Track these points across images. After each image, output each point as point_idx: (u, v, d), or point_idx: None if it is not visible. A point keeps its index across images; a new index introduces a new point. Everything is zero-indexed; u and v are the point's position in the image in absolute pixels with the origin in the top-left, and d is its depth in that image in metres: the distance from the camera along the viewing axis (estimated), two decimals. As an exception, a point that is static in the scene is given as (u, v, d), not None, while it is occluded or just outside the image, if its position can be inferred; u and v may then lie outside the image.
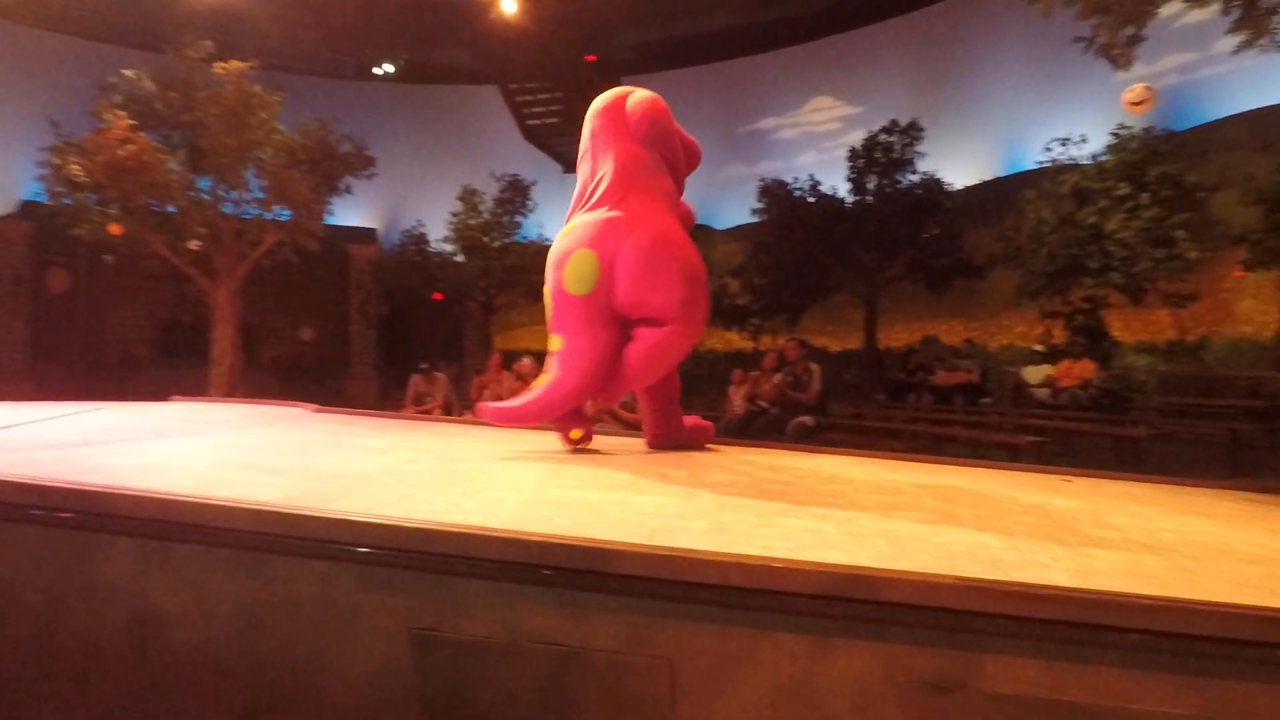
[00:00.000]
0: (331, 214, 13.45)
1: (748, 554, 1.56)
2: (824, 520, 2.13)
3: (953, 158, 15.40)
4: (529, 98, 19.26)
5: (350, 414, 4.74)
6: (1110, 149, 10.72)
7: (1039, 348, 10.46)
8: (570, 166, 21.01)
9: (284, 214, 12.23)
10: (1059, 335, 10.92)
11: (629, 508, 2.12)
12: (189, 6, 14.61)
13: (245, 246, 12.28)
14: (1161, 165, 10.28)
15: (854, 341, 15.24)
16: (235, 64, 11.33)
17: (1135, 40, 3.94)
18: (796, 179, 14.94)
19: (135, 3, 17.06)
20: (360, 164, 13.25)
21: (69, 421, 3.52)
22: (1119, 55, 3.91)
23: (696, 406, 11.49)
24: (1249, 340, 10.05)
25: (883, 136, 14.31)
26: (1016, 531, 2.16)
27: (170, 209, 11.53)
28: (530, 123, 19.77)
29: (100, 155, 10.42)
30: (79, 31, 17.88)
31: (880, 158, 14.27)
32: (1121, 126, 10.38)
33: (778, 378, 7.22)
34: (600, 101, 3.49)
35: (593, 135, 3.44)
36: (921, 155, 14.17)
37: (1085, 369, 9.07)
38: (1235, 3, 3.60)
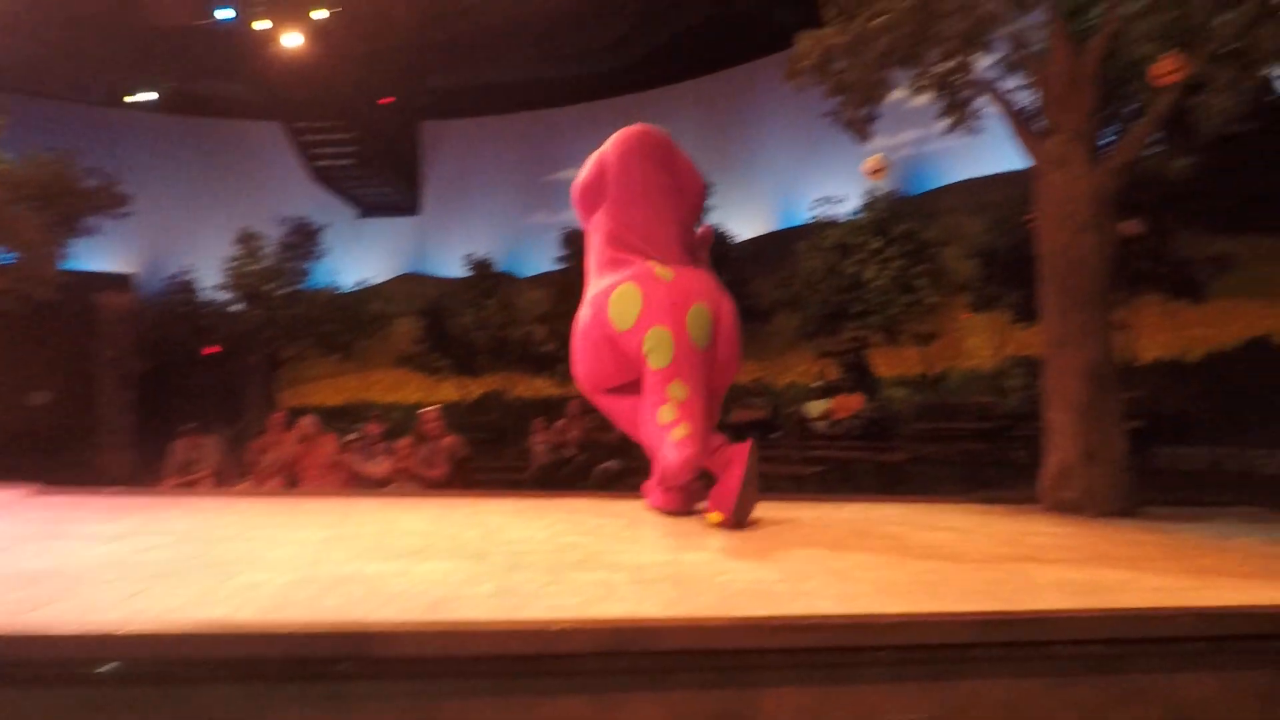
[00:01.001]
0: (68, 259, 11.60)
1: (527, 619, 1.51)
2: (615, 571, 2.13)
3: (739, 211, 16.77)
4: (319, 138, 18.17)
5: (85, 494, 4.04)
6: (863, 208, 12.35)
7: (817, 384, 11.57)
8: (367, 209, 20.07)
9: (7, 257, 10.35)
10: (833, 372, 12.17)
11: (410, 578, 1.98)
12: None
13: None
14: (903, 223, 12.00)
15: (659, 384, 15.82)
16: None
17: (871, 117, 4.54)
18: (598, 228, 15.46)
19: None
20: (109, 201, 11.60)
21: None
22: (858, 129, 4.50)
23: (504, 456, 11.24)
24: (976, 372, 11.92)
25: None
26: (788, 562, 2.31)
27: None
28: (320, 164, 18.62)
29: None
30: None
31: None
32: (871, 189, 12.03)
33: (585, 421, 7.26)
34: (641, 139, 3.25)
35: (632, 174, 3.21)
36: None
37: (856, 402, 10.16)
38: (942, 93, 4.32)
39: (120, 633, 1.39)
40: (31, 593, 1.73)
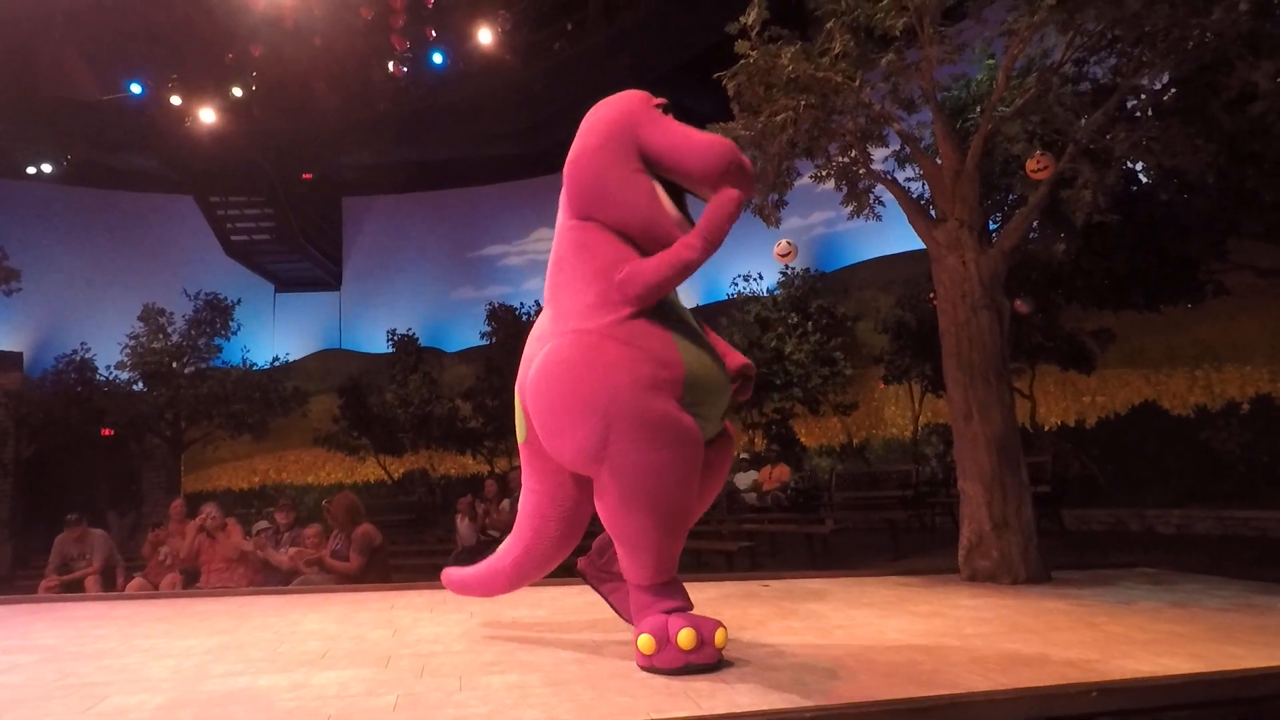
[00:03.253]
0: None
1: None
2: (530, 671, 2.03)
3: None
4: (234, 211, 17.72)
5: (-62, 603, 3.61)
6: (780, 284, 12.86)
7: (745, 455, 11.68)
8: (285, 284, 19.54)
9: None
10: (760, 443, 12.34)
11: (305, 691, 1.83)
12: None
13: None
14: (819, 299, 12.54)
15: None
16: None
17: (779, 204, 4.78)
18: (523, 304, 15.44)
19: None
20: (-4, 276, 10.95)
21: None
22: (768, 215, 4.72)
23: (427, 539, 10.76)
24: (895, 439, 12.32)
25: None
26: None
27: None
28: (235, 238, 18.10)
29: None
30: None
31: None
32: (786, 269, 12.57)
33: (505, 504, 7.05)
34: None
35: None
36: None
37: (783, 473, 10.27)
38: (843, 182, 4.60)
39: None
40: None
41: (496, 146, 19.46)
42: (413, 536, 11.44)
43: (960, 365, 3.99)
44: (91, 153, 17.51)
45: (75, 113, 15.72)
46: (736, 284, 13.73)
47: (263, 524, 5.65)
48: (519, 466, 2.81)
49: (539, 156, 19.45)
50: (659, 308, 2.20)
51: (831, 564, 6.75)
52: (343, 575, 4.58)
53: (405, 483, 15.44)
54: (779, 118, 4.16)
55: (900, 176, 4.86)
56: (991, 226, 7.43)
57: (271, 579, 5.09)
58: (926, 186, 4.61)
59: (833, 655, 2.19)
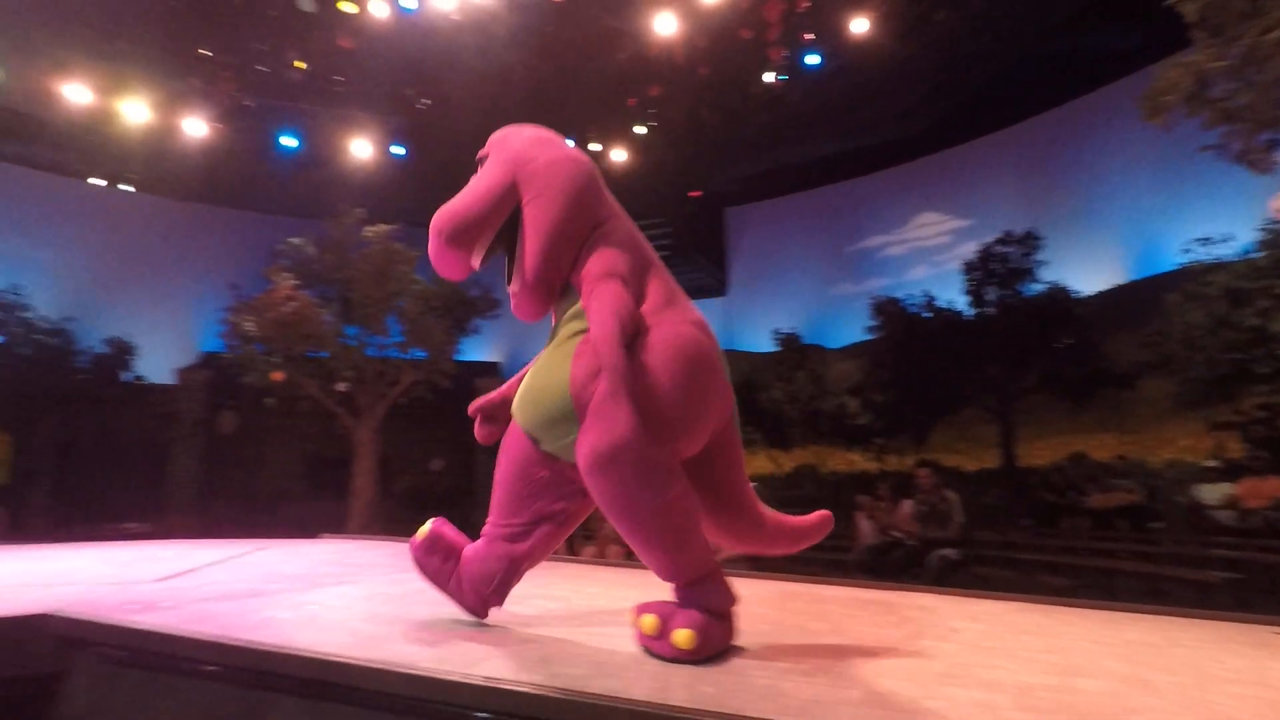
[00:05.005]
0: (461, 352, 14.47)
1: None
2: (994, 691, 1.92)
3: (1076, 264, 14.73)
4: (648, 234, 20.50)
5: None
6: (1263, 245, 9.91)
7: (1213, 463, 9.33)
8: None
9: (420, 354, 13.27)
10: (1235, 449, 9.74)
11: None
12: (344, 180, 16.85)
13: (384, 386, 13.32)
14: (1325, 259, 9.38)
15: (989, 460, 14.23)
16: (382, 226, 12.81)
17: (1273, 144, 3.75)
18: (909, 294, 14.73)
19: (299, 180, 19.86)
20: (485, 306, 14.35)
21: (236, 567, 3.82)
22: (1258, 161, 3.72)
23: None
24: None
25: (998, 248, 13.99)
26: (1226, 708, 1.86)
27: (323, 355, 12.79)
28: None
29: (269, 312, 11.85)
30: (254, 207, 20.93)
31: (997, 268, 13.88)
32: (1271, 223, 9.63)
33: (907, 506, 6.78)
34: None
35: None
36: (1042, 264, 13.69)
37: (1273, 488, 7.97)
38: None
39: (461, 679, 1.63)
40: (473, 648, 2.11)
41: (872, 135, 18.94)
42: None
43: None
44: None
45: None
46: (1191, 250, 11.08)
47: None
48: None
49: (918, 137, 18.38)
50: None
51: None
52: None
53: (794, 477, 15.94)
54: (1272, 34, 3.26)
55: None
56: None
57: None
58: None
59: None
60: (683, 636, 1.95)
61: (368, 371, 13.09)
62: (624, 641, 2.14)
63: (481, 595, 2.25)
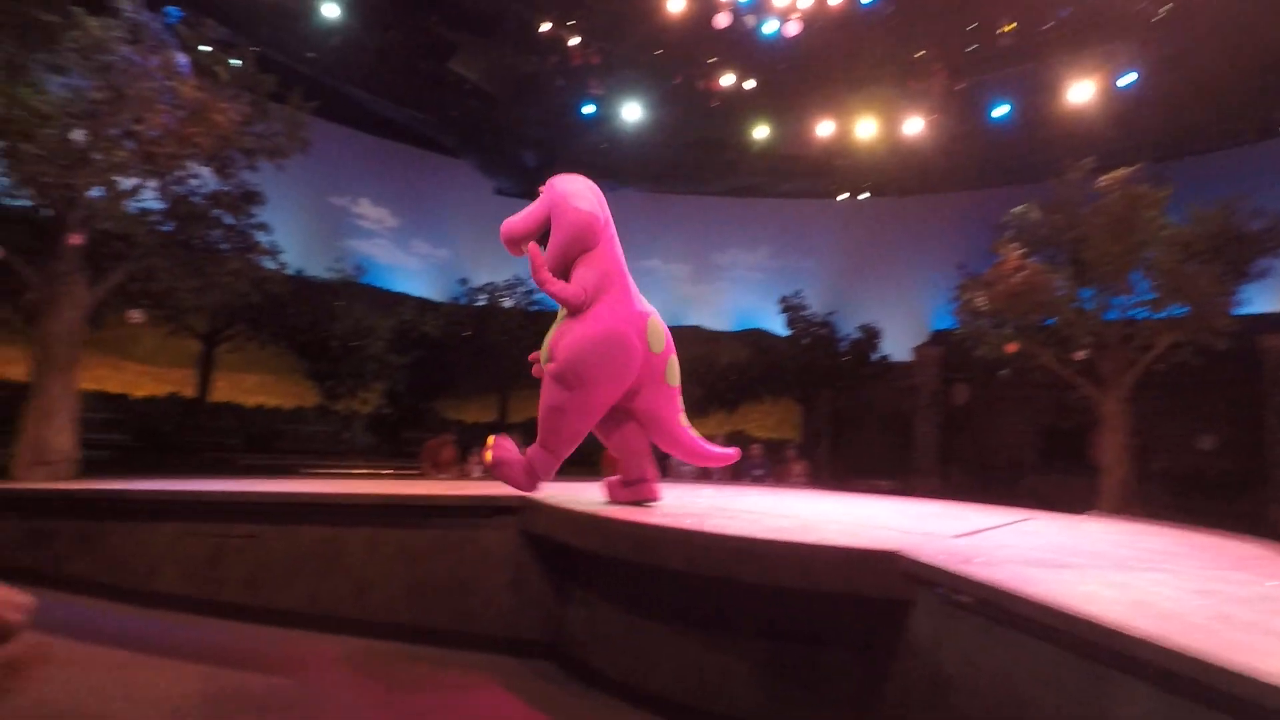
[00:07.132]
0: (1240, 304, 11.44)
1: None
2: None
3: None
4: None
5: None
6: None
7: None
8: None
9: (1179, 311, 11.11)
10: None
11: None
12: (1065, 133, 15.51)
13: (1133, 351, 11.67)
14: None
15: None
16: (1119, 171, 11.22)
17: None
18: None
19: (1015, 147, 19.26)
20: (1273, 241, 10.98)
21: (1018, 534, 3.90)
22: None
23: None
24: None
25: None
26: None
27: (1052, 322, 12.06)
28: None
29: (998, 285, 11.87)
30: (973, 185, 21.36)
31: None
32: None
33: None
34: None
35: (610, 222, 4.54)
36: None
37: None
38: None
39: None
40: None
41: None
42: None
43: None
44: None
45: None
46: None
47: None
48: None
49: None
50: None
51: None
52: None
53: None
54: None
55: None
56: None
57: None
58: None
59: None
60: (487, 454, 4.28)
61: (1109, 337, 11.70)
62: None
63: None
